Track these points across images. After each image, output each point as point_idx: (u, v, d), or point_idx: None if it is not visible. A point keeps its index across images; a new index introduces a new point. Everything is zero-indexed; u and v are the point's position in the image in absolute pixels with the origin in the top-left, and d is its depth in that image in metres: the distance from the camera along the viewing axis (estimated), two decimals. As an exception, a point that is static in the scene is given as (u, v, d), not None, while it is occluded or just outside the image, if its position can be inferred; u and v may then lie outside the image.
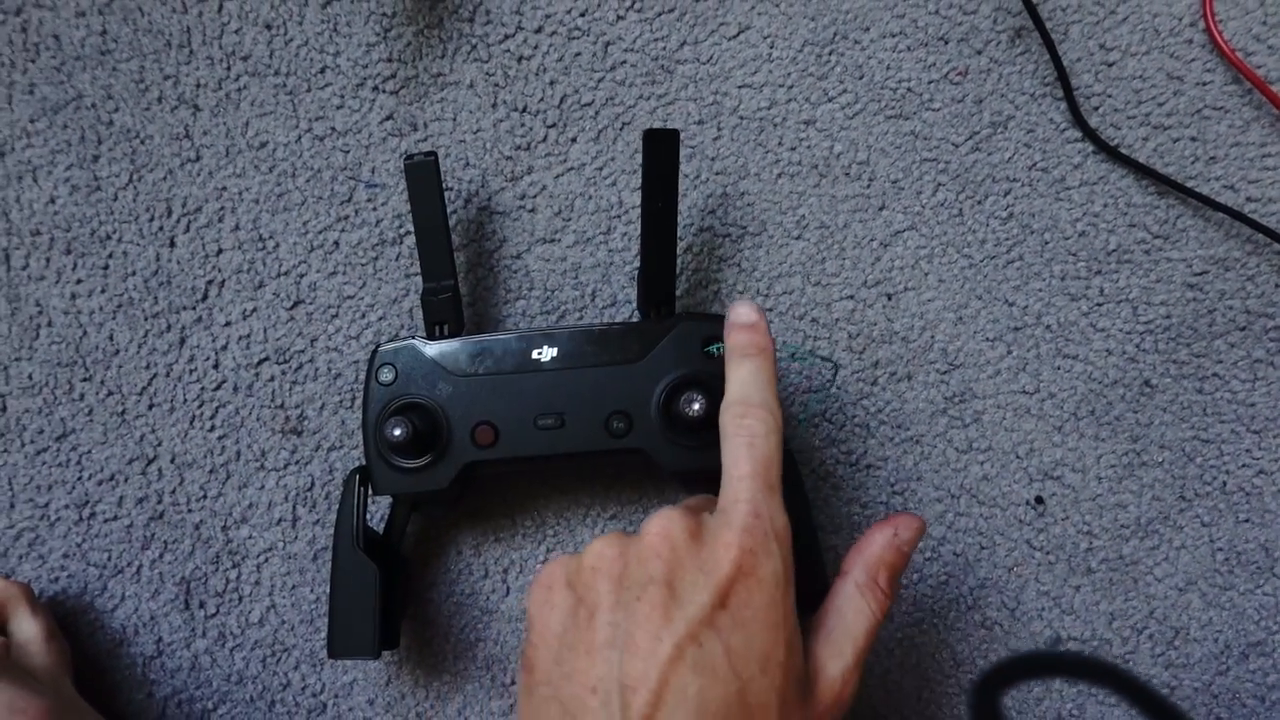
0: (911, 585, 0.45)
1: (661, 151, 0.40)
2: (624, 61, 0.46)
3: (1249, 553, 0.44)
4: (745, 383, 0.33)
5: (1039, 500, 0.45)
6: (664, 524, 0.31)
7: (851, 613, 0.32)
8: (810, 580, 0.40)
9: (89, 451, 0.46)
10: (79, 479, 0.46)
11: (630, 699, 0.28)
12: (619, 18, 0.46)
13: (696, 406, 0.39)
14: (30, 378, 0.46)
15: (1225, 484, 0.44)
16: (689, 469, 0.40)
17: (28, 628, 0.42)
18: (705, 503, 0.35)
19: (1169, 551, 0.44)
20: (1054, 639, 0.44)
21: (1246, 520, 0.44)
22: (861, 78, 0.46)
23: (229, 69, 0.47)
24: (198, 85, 0.47)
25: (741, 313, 0.35)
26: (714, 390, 0.40)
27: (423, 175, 0.42)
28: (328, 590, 0.45)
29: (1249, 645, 0.44)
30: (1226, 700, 0.44)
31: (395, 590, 0.42)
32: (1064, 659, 0.43)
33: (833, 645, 0.32)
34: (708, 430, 0.39)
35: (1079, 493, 0.45)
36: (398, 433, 0.39)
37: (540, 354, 0.41)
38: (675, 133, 0.40)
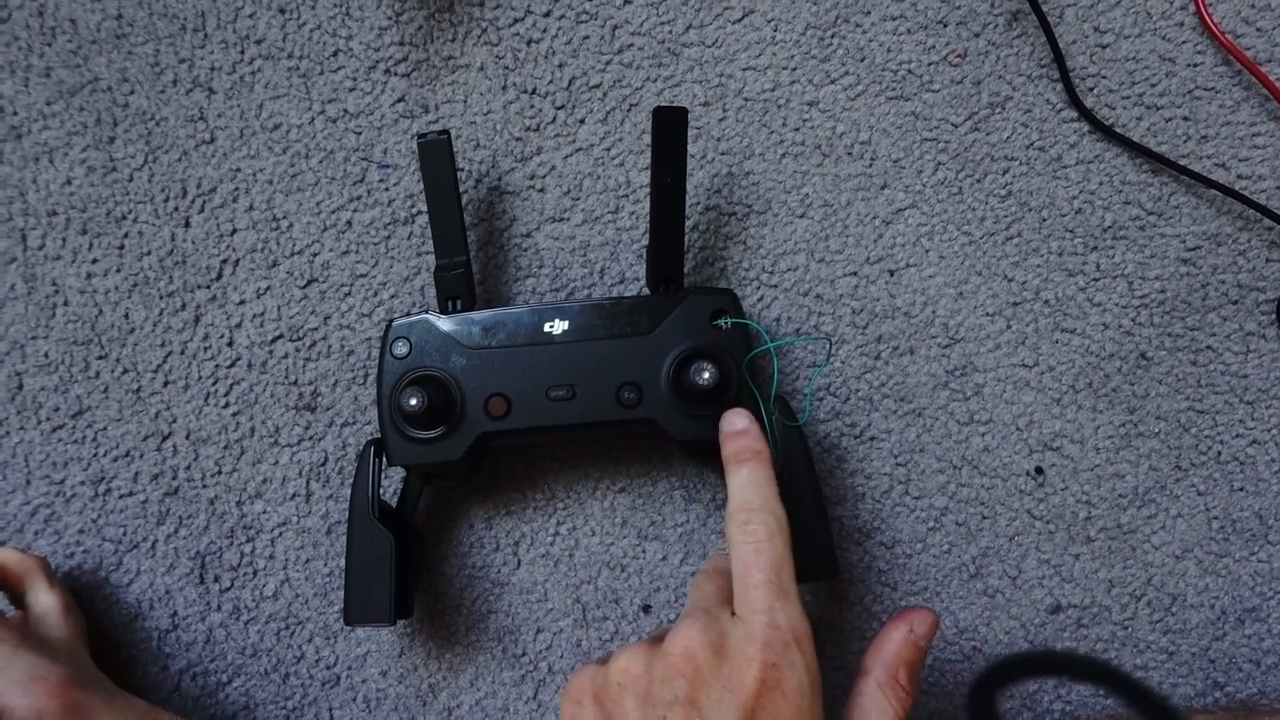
0: (915, 554, 0.46)
1: (670, 129, 0.41)
2: (631, 45, 0.47)
3: (1244, 520, 0.45)
4: (744, 488, 0.35)
5: (1039, 470, 0.46)
6: (686, 642, 0.31)
7: (875, 712, 0.34)
8: (818, 553, 0.41)
9: (104, 428, 0.47)
10: (95, 455, 0.47)
11: None
12: (626, 2, 0.47)
13: (706, 376, 0.40)
14: (46, 356, 0.47)
15: (1220, 454, 0.45)
16: (698, 438, 0.41)
17: (45, 600, 0.43)
18: (725, 565, 0.36)
19: (1166, 520, 0.45)
20: (1054, 606, 0.45)
21: (1241, 489, 0.45)
22: (863, 60, 0.47)
23: (243, 52, 0.47)
24: (212, 68, 0.47)
25: (733, 421, 0.37)
26: (722, 361, 0.41)
27: (436, 153, 0.43)
28: (341, 564, 0.46)
29: (1245, 611, 0.45)
30: (1223, 665, 0.45)
31: (409, 560, 0.43)
32: (1061, 658, 0.44)
33: None
34: (716, 400, 0.40)
35: (1078, 463, 0.46)
36: (413, 403, 0.40)
37: (552, 327, 0.42)
38: (684, 110, 0.41)
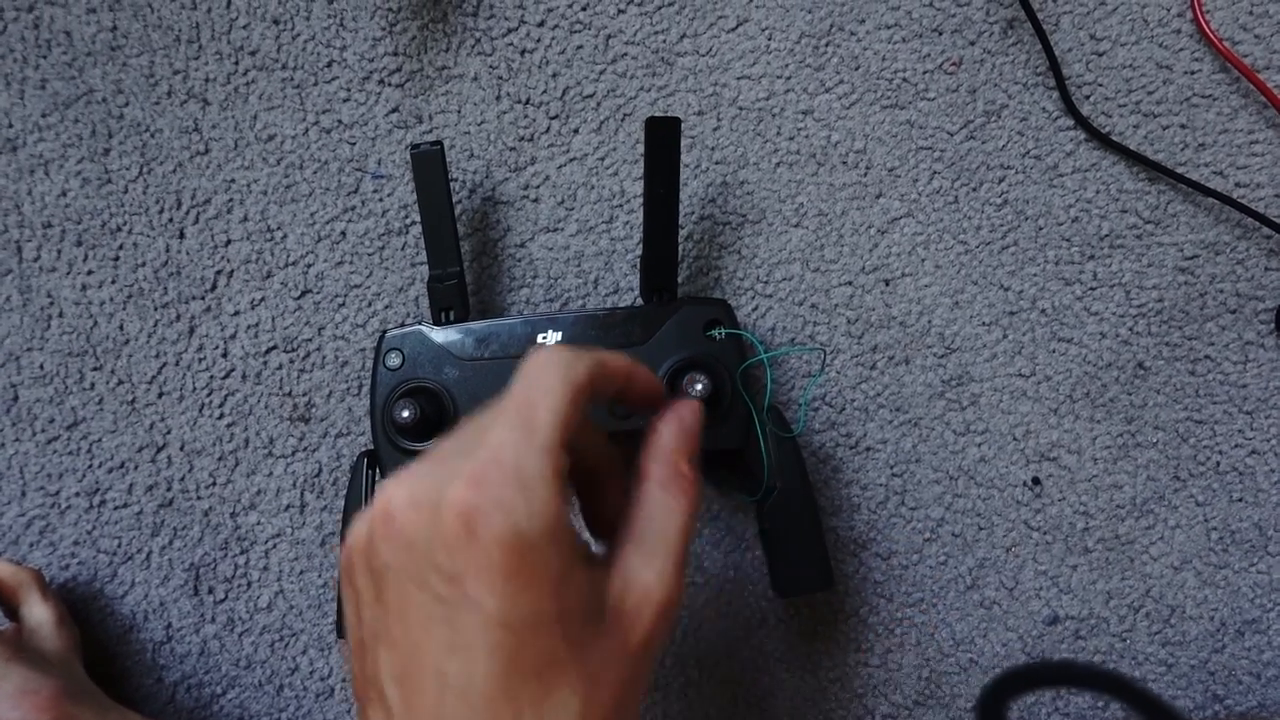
0: (911, 565, 0.46)
1: (664, 139, 0.41)
2: (625, 54, 0.47)
3: (1243, 531, 0.45)
4: None
5: (1036, 481, 0.45)
6: (387, 502, 0.26)
7: (660, 514, 0.29)
8: (813, 566, 0.41)
9: (99, 440, 0.47)
10: (89, 467, 0.47)
11: (392, 692, 0.26)
12: (620, 11, 0.47)
13: (699, 387, 0.39)
14: (42, 367, 0.47)
15: (1219, 464, 0.45)
16: (692, 449, 0.40)
17: (39, 613, 0.43)
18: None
19: (1164, 531, 0.45)
20: (1052, 618, 0.45)
21: (1240, 499, 0.45)
22: (858, 69, 0.47)
23: (237, 64, 0.47)
24: (207, 80, 0.47)
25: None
26: (716, 372, 0.40)
27: (429, 164, 0.43)
28: (335, 575, 0.46)
29: (1244, 623, 0.45)
30: (1223, 677, 0.45)
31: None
32: (1074, 669, 0.44)
33: (645, 553, 0.28)
34: (711, 411, 0.40)
35: (1075, 474, 0.45)
36: (406, 415, 0.40)
37: (545, 338, 0.42)
38: (677, 120, 0.41)
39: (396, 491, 0.26)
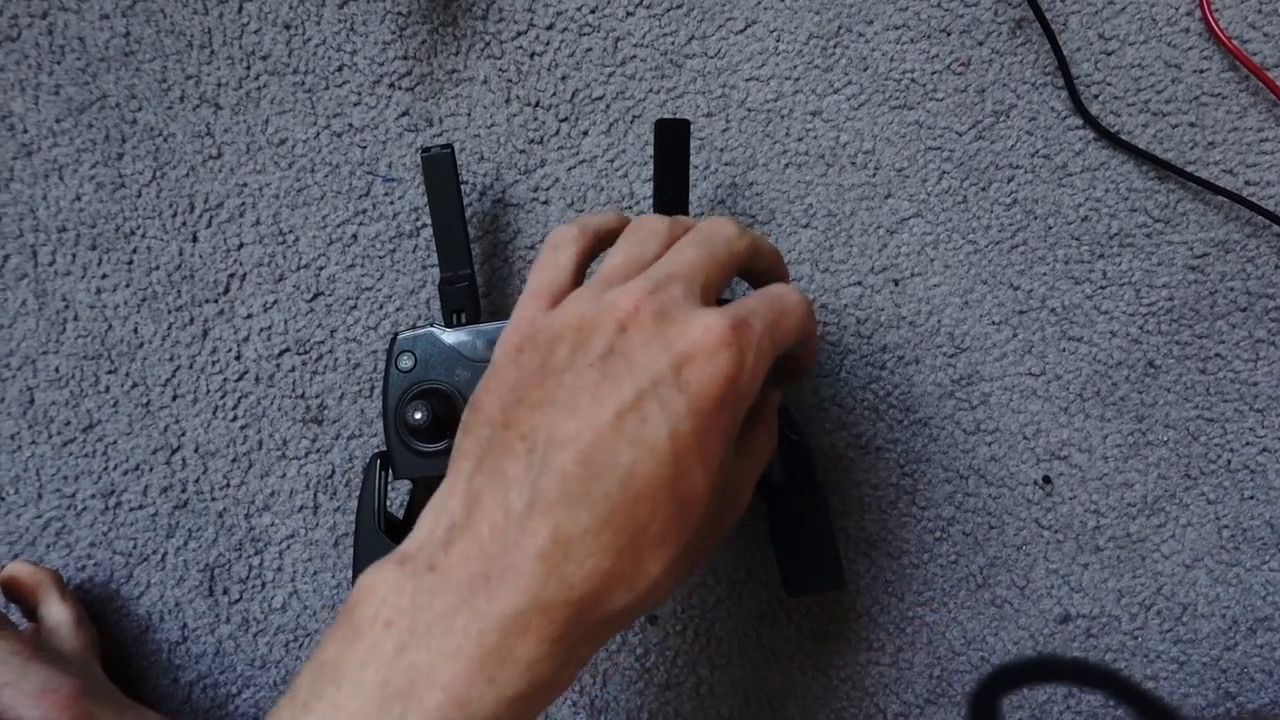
0: (922, 564, 0.46)
1: (673, 140, 0.41)
2: (634, 56, 0.47)
3: (1254, 529, 0.45)
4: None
5: (1046, 480, 0.45)
6: (634, 299, 0.29)
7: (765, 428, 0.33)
8: (825, 565, 0.41)
9: (114, 442, 0.47)
10: (105, 469, 0.47)
11: (555, 454, 0.27)
12: (628, 14, 0.47)
13: (710, 387, 0.40)
14: (57, 370, 0.47)
15: (1230, 462, 0.45)
16: (703, 449, 0.41)
17: (57, 613, 0.43)
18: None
19: (1175, 529, 0.45)
20: (1063, 616, 0.45)
21: (1251, 498, 0.45)
22: (866, 69, 0.47)
23: (249, 68, 0.48)
24: (219, 84, 0.48)
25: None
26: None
27: (439, 167, 0.43)
28: (348, 576, 0.46)
29: (1256, 620, 0.45)
30: (1235, 675, 0.45)
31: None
32: (1063, 664, 0.44)
33: (748, 450, 0.32)
34: (721, 411, 0.40)
35: (1086, 472, 0.45)
36: (418, 416, 0.40)
37: (556, 339, 0.42)
38: (686, 122, 0.41)
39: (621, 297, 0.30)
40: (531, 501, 0.27)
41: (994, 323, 0.46)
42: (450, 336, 0.43)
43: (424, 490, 0.44)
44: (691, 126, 0.46)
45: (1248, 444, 0.45)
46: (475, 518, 0.28)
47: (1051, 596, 0.45)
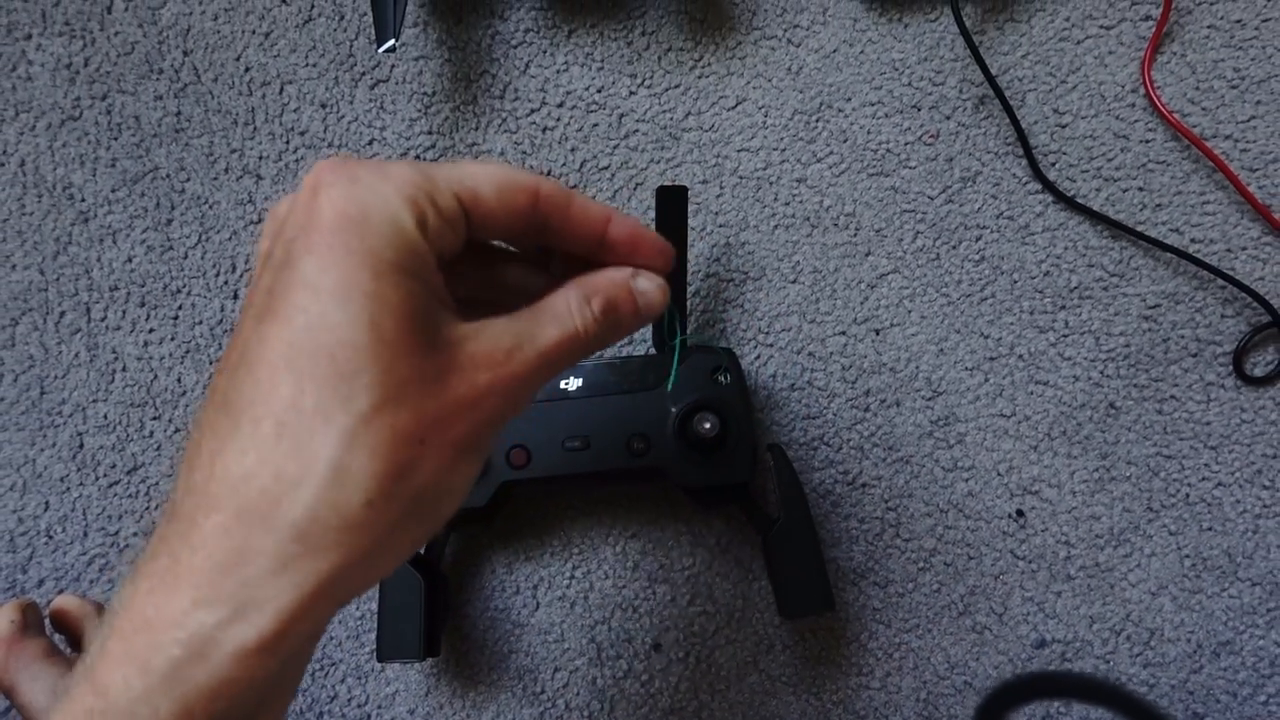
0: (907, 593, 0.49)
1: (672, 205, 0.46)
2: (636, 131, 0.52)
3: (1214, 558, 0.48)
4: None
5: (1020, 513, 0.49)
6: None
7: (550, 315, 0.27)
8: (816, 588, 0.44)
9: (156, 483, 0.51)
10: (147, 509, 0.51)
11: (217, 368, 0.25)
12: (631, 93, 0.53)
13: (708, 426, 0.44)
14: (105, 417, 0.51)
15: (1188, 495, 0.49)
16: (703, 483, 0.45)
17: (101, 643, 0.46)
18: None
19: (1141, 559, 0.49)
20: (1039, 641, 0.48)
21: (1210, 529, 0.49)
22: (846, 141, 0.52)
23: (288, 143, 0.53)
24: (260, 157, 0.53)
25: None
26: (723, 413, 0.45)
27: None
28: (373, 607, 0.49)
29: (1219, 644, 0.48)
30: (1202, 697, 0.48)
31: (437, 602, 0.46)
32: (1071, 680, 0.47)
33: (521, 324, 0.27)
34: (719, 448, 0.44)
35: (1056, 506, 0.49)
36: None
37: (568, 384, 0.46)
38: (684, 189, 0.46)
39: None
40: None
41: (967, 368, 0.50)
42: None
43: (445, 525, 0.47)
44: (689, 192, 0.51)
45: (1204, 479, 0.49)
46: None
47: (1028, 623, 0.49)
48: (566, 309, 0.28)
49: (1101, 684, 0.46)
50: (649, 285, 0.30)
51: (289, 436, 0.23)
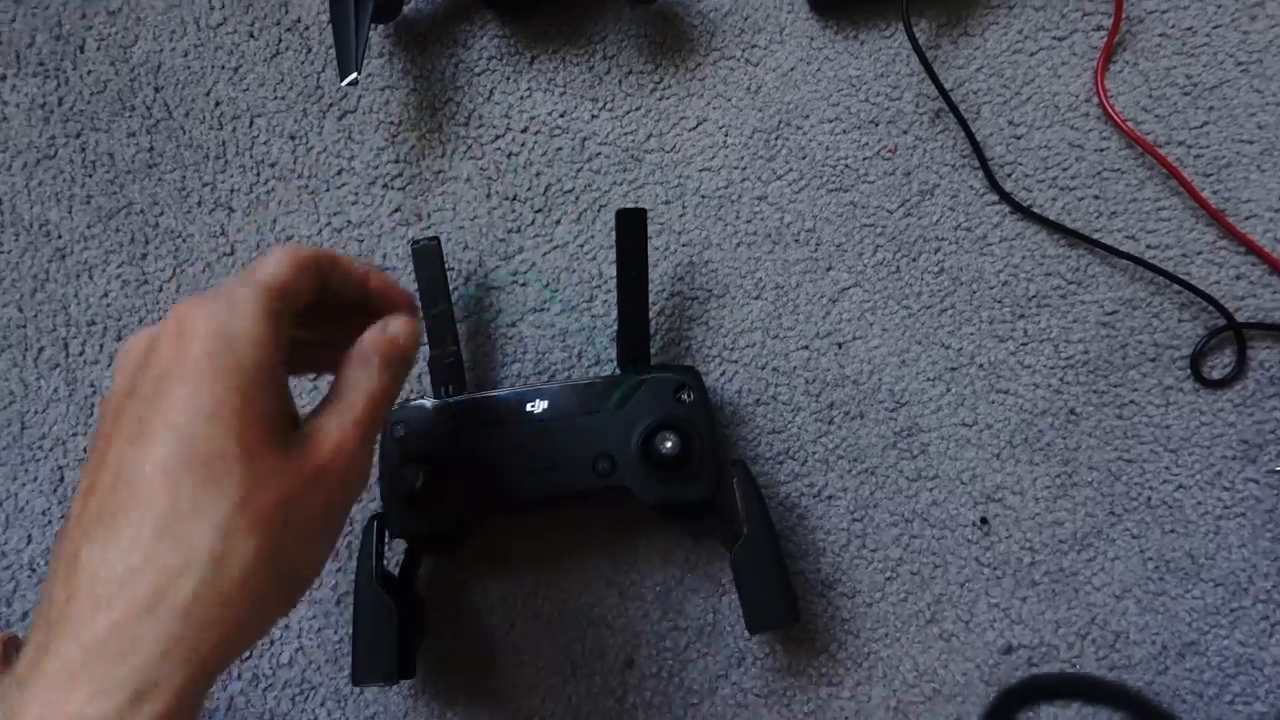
0: (875, 603, 0.50)
1: (632, 227, 0.47)
2: (599, 154, 0.53)
3: (1176, 560, 0.49)
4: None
5: (984, 521, 0.50)
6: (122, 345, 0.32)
7: (350, 383, 0.34)
8: (780, 601, 0.45)
9: (137, 513, 0.52)
10: (128, 538, 0.52)
11: (79, 498, 0.29)
12: (593, 117, 0.54)
13: (670, 444, 0.44)
14: (85, 450, 0.52)
15: (1150, 499, 0.50)
16: (667, 500, 0.45)
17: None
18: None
19: (1104, 562, 0.49)
20: (1006, 647, 0.49)
21: (1171, 531, 0.49)
22: (805, 158, 0.53)
23: (259, 175, 0.54)
24: (232, 190, 0.54)
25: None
26: (685, 431, 0.45)
27: (427, 256, 0.49)
28: (350, 630, 0.50)
29: (1184, 645, 0.49)
30: (1167, 697, 0.48)
31: (410, 625, 0.47)
32: (1082, 681, 0.47)
33: (334, 409, 0.33)
34: (682, 466, 0.45)
35: (1019, 512, 0.50)
36: (408, 481, 0.45)
37: (533, 407, 0.47)
38: (643, 211, 0.47)
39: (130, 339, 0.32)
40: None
41: (929, 379, 0.51)
42: (438, 408, 0.48)
43: (417, 549, 0.48)
44: (651, 213, 0.52)
45: (1164, 482, 0.50)
46: None
47: (994, 629, 0.49)
48: (356, 379, 0.34)
49: (1118, 687, 0.47)
50: (398, 325, 0.36)
51: (170, 535, 0.27)
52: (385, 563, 0.48)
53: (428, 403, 0.48)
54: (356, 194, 0.54)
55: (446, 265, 0.51)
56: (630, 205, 0.53)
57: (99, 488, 0.28)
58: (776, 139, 0.53)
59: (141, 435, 0.28)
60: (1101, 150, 0.52)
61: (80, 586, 0.27)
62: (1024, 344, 0.51)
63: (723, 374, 0.52)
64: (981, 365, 0.51)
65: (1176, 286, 0.50)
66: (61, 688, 0.25)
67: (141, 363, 0.30)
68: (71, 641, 0.26)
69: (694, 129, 0.53)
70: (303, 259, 0.33)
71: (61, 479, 0.52)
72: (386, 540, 0.48)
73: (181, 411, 0.28)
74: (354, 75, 0.49)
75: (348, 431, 0.32)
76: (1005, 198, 0.51)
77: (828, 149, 0.53)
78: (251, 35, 0.55)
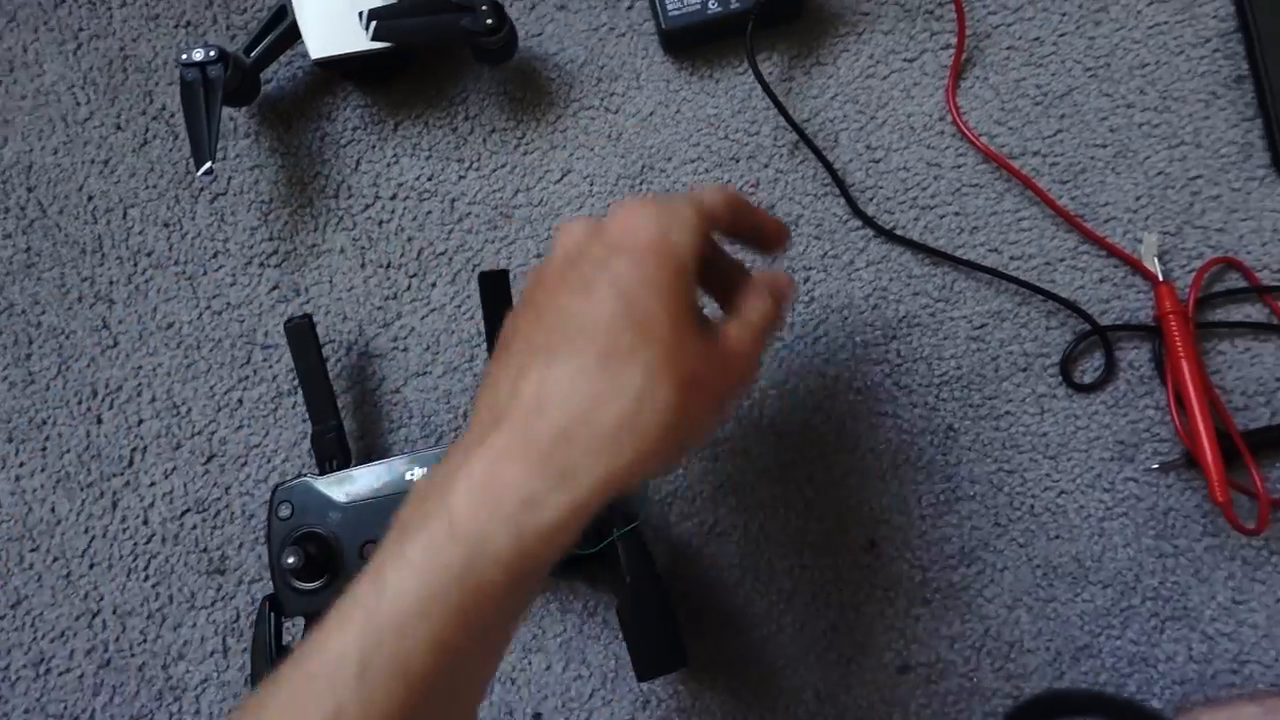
0: (771, 635, 0.50)
1: (495, 288, 0.48)
2: (469, 213, 0.54)
3: (1063, 565, 0.50)
4: None
5: (872, 544, 0.50)
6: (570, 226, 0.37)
7: (752, 304, 0.39)
8: (666, 645, 0.46)
9: (40, 613, 0.52)
10: (34, 640, 0.52)
11: (508, 333, 0.36)
12: (460, 177, 0.54)
13: (542, 504, 0.45)
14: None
15: (1033, 506, 0.50)
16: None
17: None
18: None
19: (993, 574, 0.50)
20: (903, 666, 0.49)
21: (1056, 536, 0.50)
22: (671, 200, 0.53)
23: (136, 265, 0.54)
24: (111, 282, 0.54)
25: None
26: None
27: (301, 334, 0.49)
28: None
29: (1078, 649, 0.49)
30: (1066, 702, 0.49)
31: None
32: (1100, 698, 0.47)
33: (738, 322, 0.38)
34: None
35: (907, 532, 0.50)
36: (292, 560, 0.45)
37: (413, 474, 0.47)
38: (505, 272, 0.48)
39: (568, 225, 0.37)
40: (522, 368, 0.34)
41: (808, 409, 0.52)
42: (322, 483, 0.48)
43: (314, 625, 0.49)
44: (520, 270, 0.53)
45: (1046, 489, 0.50)
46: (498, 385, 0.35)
47: (891, 649, 0.50)
48: (755, 303, 0.39)
49: (1136, 705, 0.47)
50: (785, 277, 0.42)
51: (607, 369, 0.32)
52: (290, 640, 0.48)
53: (311, 479, 0.48)
54: (234, 275, 0.54)
55: (324, 338, 0.51)
56: (505, 262, 0.53)
57: (542, 328, 0.34)
58: (641, 183, 0.54)
59: (587, 290, 0.33)
60: (959, 167, 0.53)
61: (521, 394, 0.33)
62: (898, 365, 0.51)
63: (607, 421, 0.52)
64: (858, 390, 0.51)
65: (1040, 296, 0.51)
66: (503, 459, 0.32)
67: (588, 239, 0.35)
68: (513, 433, 0.32)
69: (559, 180, 0.54)
70: (733, 197, 0.39)
71: (-37, 585, 0.52)
72: (282, 619, 0.48)
73: (625, 278, 0.33)
74: (208, 164, 0.49)
75: (750, 338, 0.37)
76: (868, 222, 0.52)
77: (692, 188, 0.53)
78: (119, 127, 0.56)
